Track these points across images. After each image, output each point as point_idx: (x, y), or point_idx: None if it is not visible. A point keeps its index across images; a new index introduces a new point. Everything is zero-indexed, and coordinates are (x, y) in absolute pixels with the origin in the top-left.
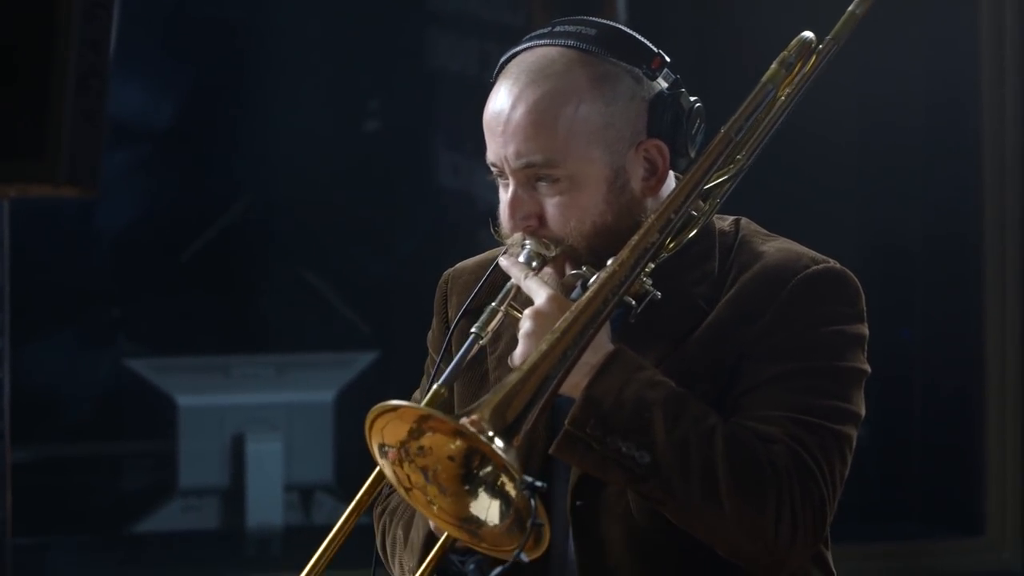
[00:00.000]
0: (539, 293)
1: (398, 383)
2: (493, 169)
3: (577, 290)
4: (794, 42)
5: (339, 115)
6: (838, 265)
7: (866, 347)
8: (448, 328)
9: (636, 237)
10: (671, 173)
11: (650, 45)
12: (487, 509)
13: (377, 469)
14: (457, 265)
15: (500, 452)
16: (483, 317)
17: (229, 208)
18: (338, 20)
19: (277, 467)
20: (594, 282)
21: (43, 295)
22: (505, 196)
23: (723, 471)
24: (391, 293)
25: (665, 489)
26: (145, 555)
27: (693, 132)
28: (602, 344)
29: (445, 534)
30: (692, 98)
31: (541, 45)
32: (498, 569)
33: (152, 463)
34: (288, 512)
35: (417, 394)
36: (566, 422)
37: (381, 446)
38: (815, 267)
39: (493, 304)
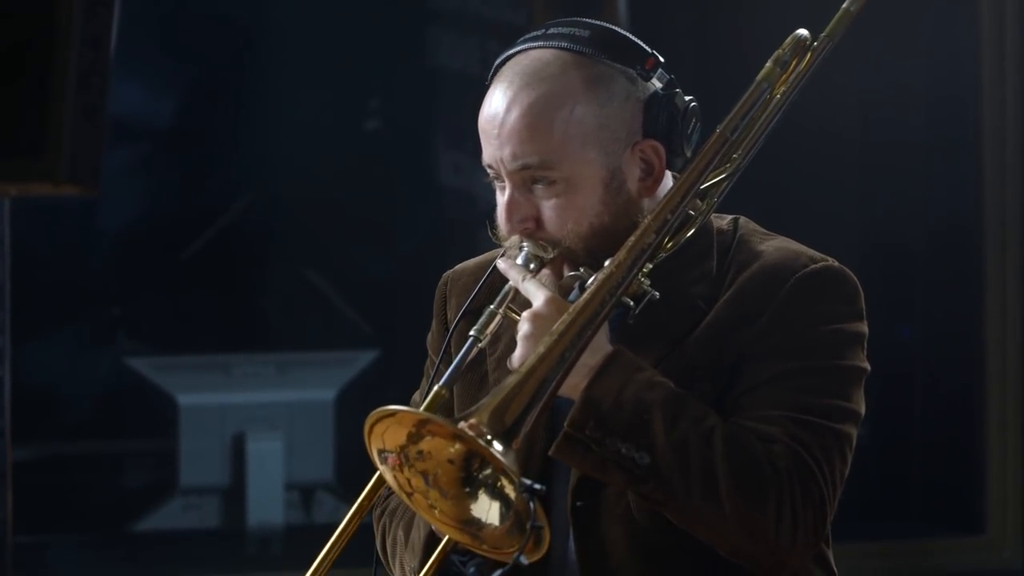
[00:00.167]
0: (537, 295)
1: (399, 382)
2: (489, 172)
3: (575, 292)
4: (789, 40)
5: (340, 114)
6: (837, 263)
7: (866, 345)
8: (447, 330)
9: (633, 238)
10: (668, 173)
11: (644, 46)
12: (487, 511)
13: (377, 474)
14: (456, 267)
15: (499, 455)
16: (482, 319)
17: (230, 207)
18: (339, 19)
19: (278, 466)
20: (592, 283)
21: (44, 294)
22: (502, 199)
23: (723, 471)
24: (392, 292)
25: (665, 490)
26: (146, 554)
27: (689, 131)
28: (601, 345)
29: (447, 536)
30: (687, 97)
31: (535, 47)
32: (499, 571)
33: (153, 462)
34: (289, 511)
35: (417, 396)
36: (565, 424)
37: (381, 451)
38: (813, 266)
39: (492, 306)
